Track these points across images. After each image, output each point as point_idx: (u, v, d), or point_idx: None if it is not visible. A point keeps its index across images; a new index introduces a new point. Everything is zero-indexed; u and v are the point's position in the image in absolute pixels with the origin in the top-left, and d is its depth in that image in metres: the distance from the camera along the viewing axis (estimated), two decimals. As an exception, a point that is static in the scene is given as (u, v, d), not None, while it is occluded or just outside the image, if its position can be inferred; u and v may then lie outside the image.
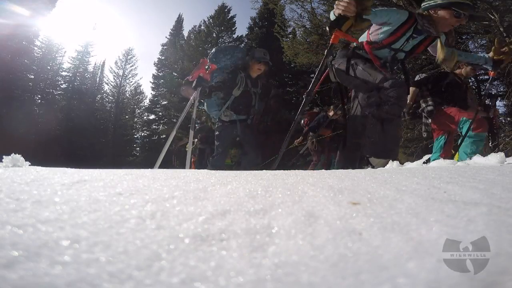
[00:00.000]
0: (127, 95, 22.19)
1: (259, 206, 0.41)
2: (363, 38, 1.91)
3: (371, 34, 1.84)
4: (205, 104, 2.66)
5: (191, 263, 0.24)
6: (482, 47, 6.55)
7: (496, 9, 5.18)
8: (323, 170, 1.04)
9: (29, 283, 0.20)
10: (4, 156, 0.85)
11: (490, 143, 2.93)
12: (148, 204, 0.40)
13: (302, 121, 4.43)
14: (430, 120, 2.59)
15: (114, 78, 21.85)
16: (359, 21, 1.52)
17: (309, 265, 0.24)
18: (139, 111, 21.98)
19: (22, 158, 0.87)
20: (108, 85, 21.81)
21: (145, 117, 21.21)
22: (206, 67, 2.52)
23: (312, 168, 4.02)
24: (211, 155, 2.73)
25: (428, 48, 1.90)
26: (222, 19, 18.77)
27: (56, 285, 0.20)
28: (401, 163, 1.37)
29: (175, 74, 18.37)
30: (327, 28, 1.59)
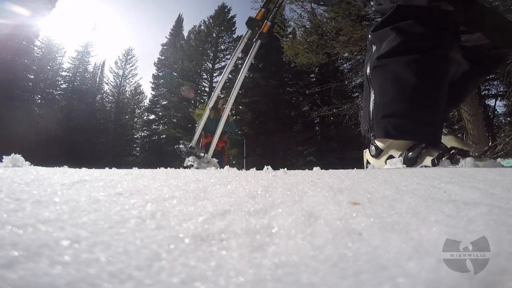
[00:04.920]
0: (127, 95, 22.19)
1: (259, 206, 0.41)
2: None
3: None
4: None
5: (191, 263, 0.24)
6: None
7: (496, 9, 5.18)
8: (323, 170, 1.04)
9: (29, 283, 0.20)
10: (4, 156, 0.85)
11: (490, 143, 2.91)
12: (148, 204, 0.40)
13: None
14: None
15: (114, 78, 21.86)
16: None
17: (309, 265, 0.24)
18: (139, 111, 21.97)
19: (22, 158, 0.87)
20: (108, 85, 21.80)
21: (145, 117, 21.20)
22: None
23: None
24: None
25: None
26: (222, 19, 18.76)
27: (56, 285, 0.20)
28: None
29: (175, 74, 18.34)
30: None
